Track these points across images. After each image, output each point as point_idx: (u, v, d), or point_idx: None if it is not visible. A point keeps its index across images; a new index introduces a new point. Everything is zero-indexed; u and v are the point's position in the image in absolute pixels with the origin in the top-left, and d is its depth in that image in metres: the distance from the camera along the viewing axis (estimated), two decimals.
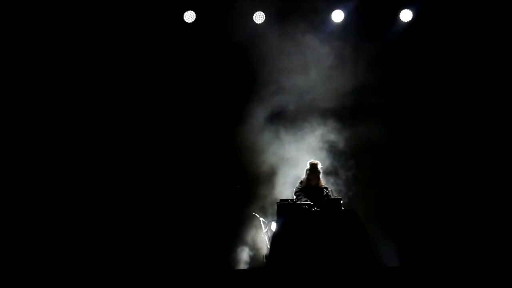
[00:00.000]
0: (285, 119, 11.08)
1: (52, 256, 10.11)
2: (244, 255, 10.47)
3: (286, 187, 10.56)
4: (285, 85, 11.04)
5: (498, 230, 10.45)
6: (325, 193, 9.30)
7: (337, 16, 10.99)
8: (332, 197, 9.13)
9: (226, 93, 11.18)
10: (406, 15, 11.01)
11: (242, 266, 10.37)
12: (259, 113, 10.99)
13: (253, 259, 10.42)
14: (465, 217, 10.68)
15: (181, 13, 11.01)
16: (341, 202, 9.02)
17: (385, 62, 11.09)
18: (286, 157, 10.83)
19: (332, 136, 10.87)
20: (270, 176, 10.83)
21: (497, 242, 10.33)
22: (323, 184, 9.60)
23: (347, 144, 10.89)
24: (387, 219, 10.70)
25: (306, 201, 9.12)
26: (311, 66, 11.01)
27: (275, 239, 8.74)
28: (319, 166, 9.60)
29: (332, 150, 10.83)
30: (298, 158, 10.66)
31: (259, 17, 11.00)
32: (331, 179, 10.61)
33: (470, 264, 9.87)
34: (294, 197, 9.42)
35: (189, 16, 11.05)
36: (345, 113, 11.04)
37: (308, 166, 9.60)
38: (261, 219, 10.10)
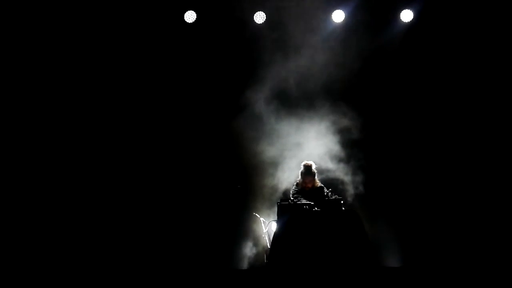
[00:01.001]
0: (290, 109, 11.09)
1: (52, 256, 10.10)
2: (244, 255, 10.47)
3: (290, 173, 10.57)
4: (288, 76, 11.07)
5: (499, 230, 10.43)
6: (325, 193, 9.28)
7: (338, 16, 11.00)
8: (333, 197, 9.12)
9: (228, 91, 11.16)
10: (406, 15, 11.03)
11: (243, 265, 10.37)
12: (262, 108, 11.02)
13: (253, 259, 10.42)
14: (466, 217, 10.66)
15: (181, 13, 11.01)
16: (342, 202, 9.02)
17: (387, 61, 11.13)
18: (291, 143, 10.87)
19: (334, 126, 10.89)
20: (274, 164, 10.84)
21: (497, 241, 10.32)
22: (319, 184, 9.56)
23: (349, 139, 10.91)
24: (388, 219, 10.70)
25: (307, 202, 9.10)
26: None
27: (276, 239, 8.75)
28: (314, 167, 9.56)
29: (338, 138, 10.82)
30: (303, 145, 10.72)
31: (259, 17, 11.01)
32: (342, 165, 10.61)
33: (471, 264, 9.85)
34: (292, 199, 9.38)
35: (190, 16, 11.06)
36: (349, 106, 11.02)
37: (302, 169, 9.55)
38: (261, 219, 10.10)
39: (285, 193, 10.46)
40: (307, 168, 9.53)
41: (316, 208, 8.90)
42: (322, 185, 9.57)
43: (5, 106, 10.69)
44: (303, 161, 9.71)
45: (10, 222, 10.30)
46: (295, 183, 9.64)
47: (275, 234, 8.87)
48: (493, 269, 9.22)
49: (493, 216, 10.58)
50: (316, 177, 9.55)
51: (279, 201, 9.26)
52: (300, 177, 9.57)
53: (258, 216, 10.22)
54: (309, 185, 9.46)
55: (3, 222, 10.27)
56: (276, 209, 9.19)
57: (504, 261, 9.82)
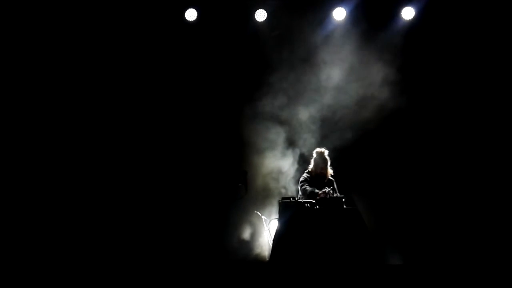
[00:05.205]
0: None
1: (48, 254, 10.09)
2: (246, 253, 10.46)
3: None
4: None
5: (500, 229, 10.40)
6: (335, 186, 9.21)
7: (339, 14, 10.96)
8: (334, 195, 9.07)
9: (230, 91, 11.15)
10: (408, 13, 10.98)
11: (244, 263, 10.34)
12: (265, 109, 11.02)
13: (255, 257, 10.40)
14: (468, 215, 10.63)
15: (182, 12, 10.94)
16: (343, 200, 8.98)
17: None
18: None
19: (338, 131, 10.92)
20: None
21: (498, 240, 10.28)
22: (331, 173, 9.50)
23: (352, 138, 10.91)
24: (390, 216, 10.68)
25: (313, 191, 9.04)
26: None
27: (277, 237, 8.74)
28: (326, 154, 9.52)
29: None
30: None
31: (260, 15, 10.97)
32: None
33: (472, 262, 9.82)
34: (299, 187, 9.35)
35: (191, 15, 10.99)
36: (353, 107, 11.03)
37: (316, 155, 9.50)
38: (263, 217, 10.10)
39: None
40: (321, 154, 9.48)
41: (317, 207, 8.86)
42: (333, 179, 9.51)
43: (5, 106, 10.68)
44: (316, 149, 9.67)
45: (10, 222, 10.30)
46: (306, 171, 9.59)
47: (276, 232, 8.85)
48: (493, 268, 9.20)
49: (494, 215, 10.54)
50: (328, 164, 9.48)
51: (280, 199, 9.24)
52: (312, 164, 9.52)
53: (260, 214, 10.23)
54: (324, 172, 9.40)
55: (3, 222, 10.28)
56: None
57: (504, 259, 9.78)
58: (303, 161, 10.76)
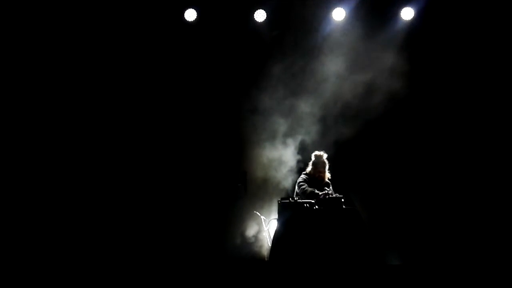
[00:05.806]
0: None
1: (48, 254, 10.09)
2: (245, 252, 10.45)
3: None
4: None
5: (499, 228, 10.40)
6: (329, 189, 9.23)
7: (339, 14, 10.95)
8: (333, 195, 9.08)
9: (230, 89, 11.14)
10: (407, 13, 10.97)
11: (244, 263, 10.34)
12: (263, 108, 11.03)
13: (254, 256, 10.40)
14: (467, 215, 10.63)
15: (181, 12, 10.92)
16: (343, 200, 8.98)
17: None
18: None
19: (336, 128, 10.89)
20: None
21: (498, 240, 10.28)
22: (329, 177, 9.53)
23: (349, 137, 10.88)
24: (389, 216, 10.67)
25: (313, 191, 9.06)
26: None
27: (277, 237, 8.73)
28: (325, 157, 9.54)
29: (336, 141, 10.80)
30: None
31: (260, 16, 10.96)
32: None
33: (471, 262, 9.82)
34: (297, 188, 9.36)
35: (190, 15, 10.97)
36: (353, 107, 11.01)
37: (314, 158, 9.53)
38: (262, 217, 10.10)
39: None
40: (320, 157, 9.50)
41: (316, 207, 8.86)
42: (329, 181, 9.53)
43: (5, 106, 10.68)
44: (315, 152, 9.68)
45: (10, 222, 10.30)
46: (304, 172, 9.61)
47: (275, 232, 8.86)
48: (493, 268, 9.21)
49: (494, 215, 10.54)
50: (326, 168, 9.50)
51: (279, 199, 9.25)
52: (310, 167, 9.54)
53: (259, 214, 10.23)
54: (322, 175, 9.43)
55: (3, 222, 10.28)
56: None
57: (504, 259, 9.79)
58: (302, 151, 10.79)
